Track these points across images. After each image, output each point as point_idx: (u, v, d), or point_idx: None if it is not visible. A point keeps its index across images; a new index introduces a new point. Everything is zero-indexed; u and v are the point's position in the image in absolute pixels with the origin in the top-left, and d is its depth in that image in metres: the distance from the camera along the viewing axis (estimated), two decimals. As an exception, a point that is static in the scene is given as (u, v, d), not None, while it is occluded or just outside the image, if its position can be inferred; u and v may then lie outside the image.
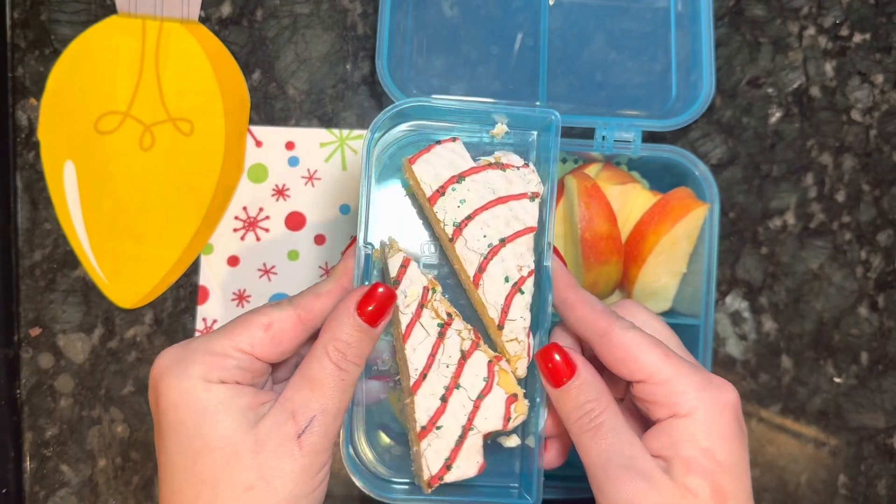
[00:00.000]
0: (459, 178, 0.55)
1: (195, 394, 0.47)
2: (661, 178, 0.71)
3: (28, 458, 0.74)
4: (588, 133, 0.68)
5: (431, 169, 0.56)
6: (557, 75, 0.72)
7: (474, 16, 0.73)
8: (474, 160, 0.57)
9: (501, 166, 0.56)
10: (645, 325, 0.52)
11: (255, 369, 0.50)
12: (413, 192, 0.58)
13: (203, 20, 0.76)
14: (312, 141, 0.75)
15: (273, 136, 0.75)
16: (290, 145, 0.75)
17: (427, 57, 0.72)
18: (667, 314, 0.70)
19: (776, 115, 0.77)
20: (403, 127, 0.59)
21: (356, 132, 0.75)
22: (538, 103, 0.71)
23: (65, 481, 0.74)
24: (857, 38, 0.77)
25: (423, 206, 0.57)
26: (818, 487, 0.75)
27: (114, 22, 0.75)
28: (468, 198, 0.55)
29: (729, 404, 0.49)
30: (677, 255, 0.68)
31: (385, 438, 0.60)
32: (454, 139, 0.57)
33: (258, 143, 0.75)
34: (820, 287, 0.76)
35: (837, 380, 0.75)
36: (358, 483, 0.55)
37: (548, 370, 0.52)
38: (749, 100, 0.77)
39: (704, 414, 0.48)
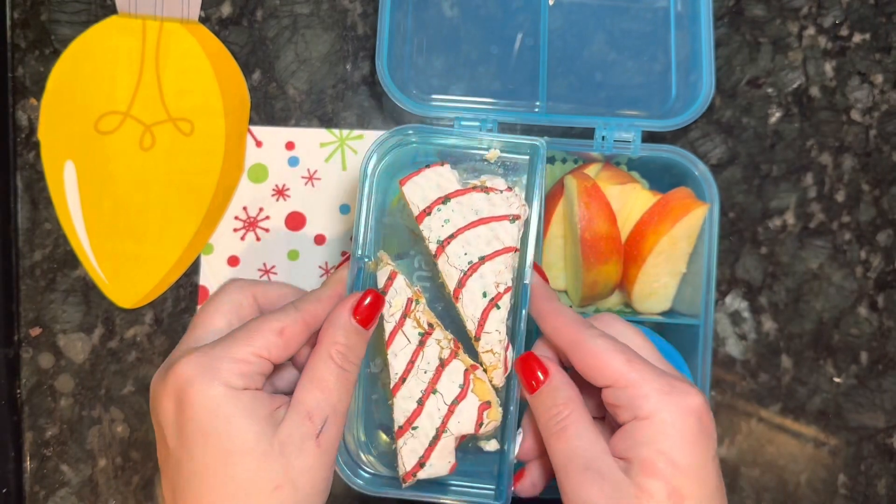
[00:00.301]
0: (445, 199, 0.60)
1: (225, 401, 0.49)
2: (661, 178, 0.71)
3: (28, 458, 0.74)
4: (588, 133, 0.68)
5: (420, 191, 0.60)
6: (557, 75, 0.72)
7: (474, 16, 0.73)
8: (463, 183, 0.61)
9: (486, 189, 0.60)
10: (619, 335, 0.54)
11: (267, 372, 0.52)
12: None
13: (203, 20, 0.76)
14: (312, 141, 0.75)
15: (273, 136, 0.75)
16: (290, 145, 0.75)
17: (427, 57, 0.72)
18: (666, 314, 0.70)
19: (776, 115, 0.77)
20: (401, 135, 0.63)
21: (356, 132, 0.75)
22: (538, 103, 0.71)
23: (65, 481, 0.74)
24: (857, 38, 0.77)
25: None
26: (818, 487, 0.75)
27: (114, 22, 0.76)
28: (452, 218, 0.60)
29: (691, 408, 0.49)
30: (677, 255, 0.68)
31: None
32: (443, 163, 0.61)
33: (258, 143, 0.75)
34: (819, 287, 0.76)
35: (837, 379, 0.75)
36: (341, 473, 0.60)
37: (524, 376, 0.56)
38: (749, 100, 0.77)
39: (664, 417, 0.49)
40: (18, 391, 0.74)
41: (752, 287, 0.76)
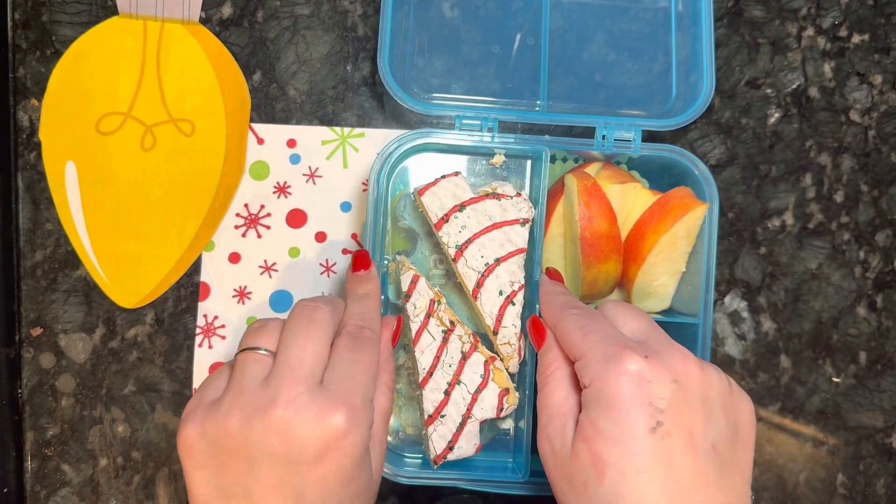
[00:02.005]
0: (461, 207, 0.65)
1: (367, 449, 0.52)
2: (661, 177, 0.71)
3: (29, 458, 0.74)
4: (588, 132, 0.68)
5: (437, 200, 0.66)
6: (558, 75, 0.72)
7: (475, 16, 0.73)
8: (475, 191, 0.66)
9: (497, 196, 0.66)
10: (612, 315, 0.57)
11: None
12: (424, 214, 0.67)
13: (204, 21, 0.76)
14: (314, 139, 0.76)
15: (275, 133, 0.76)
16: (291, 143, 0.75)
17: (428, 57, 0.73)
18: (665, 313, 0.70)
19: (775, 116, 0.77)
20: (406, 139, 0.67)
21: (357, 130, 0.76)
22: (539, 102, 0.71)
23: (66, 481, 0.74)
24: (856, 38, 0.78)
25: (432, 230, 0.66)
26: (817, 486, 0.75)
27: (115, 23, 0.76)
28: (468, 224, 0.65)
29: (623, 374, 0.49)
30: (676, 255, 0.68)
31: None
32: (456, 173, 0.67)
33: (260, 141, 0.75)
34: (818, 287, 0.76)
35: (836, 379, 0.76)
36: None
37: (531, 335, 0.61)
38: (748, 100, 0.77)
39: (597, 384, 0.50)
40: (19, 391, 0.74)
41: (751, 287, 0.76)
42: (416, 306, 0.65)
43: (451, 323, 0.65)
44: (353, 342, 0.55)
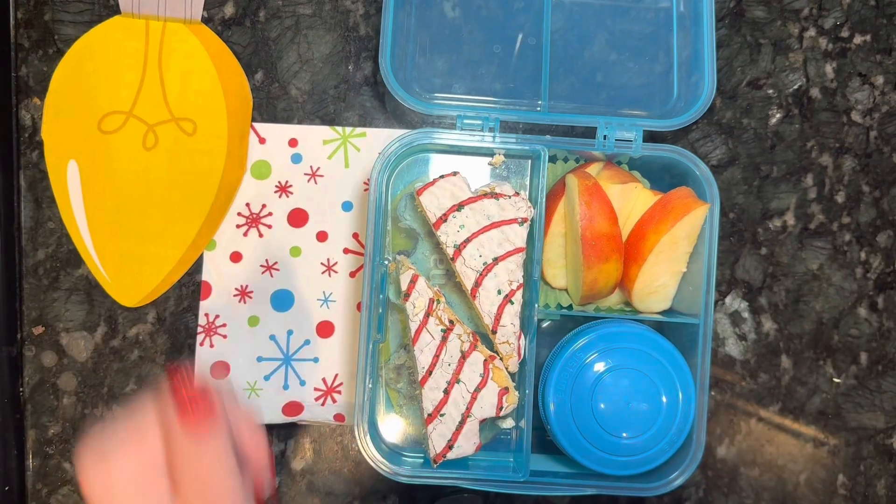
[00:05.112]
0: (459, 206, 0.66)
1: None
2: (662, 177, 0.71)
3: (31, 456, 0.74)
4: (590, 132, 0.68)
5: (435, 200, 0.66)
6: (559, 75, 0.72)
7: (476, 16, 0.73)
8: (474, 190, 0.67)
9: (495, 195, 0.66)
10: None
11: None
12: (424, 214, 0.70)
13: (206, 21, 0.76)
14: (315, 138, 0.76)
15: (276, 133, 0.76)
16: (293, 142, 0.75)
17: (430, 57, 0.73)
18: (666, 313, 0.70)
19: (776, 117, 0.77)
20: (408, 139, 0.67)
21: (359, 129, 0.76)
22: (540, 102, 0.71)
23: (67, 479, 0.74)
24: (858, 39, 0.78)
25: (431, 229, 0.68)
26: (817, 487, 0.75)
27: (117, 22, 0.76)
28: (466, 223, 0.66)
29: None
30: (677, 255, 0.68)
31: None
32: (455, 173, 0.67)
33: (261, 140, 0.75)
34: (819, 287, 0.76)
35: (837, 380, 0.76)
36: (381, 465, 0.66)
37: None
38: (749, 101, 0.77)
39: None
40: (21, 389, 0.74)
41: (752, 287, 0.76)
42: (416, 305, 0.66)
43: (451, 322, 0.66)
44: None
